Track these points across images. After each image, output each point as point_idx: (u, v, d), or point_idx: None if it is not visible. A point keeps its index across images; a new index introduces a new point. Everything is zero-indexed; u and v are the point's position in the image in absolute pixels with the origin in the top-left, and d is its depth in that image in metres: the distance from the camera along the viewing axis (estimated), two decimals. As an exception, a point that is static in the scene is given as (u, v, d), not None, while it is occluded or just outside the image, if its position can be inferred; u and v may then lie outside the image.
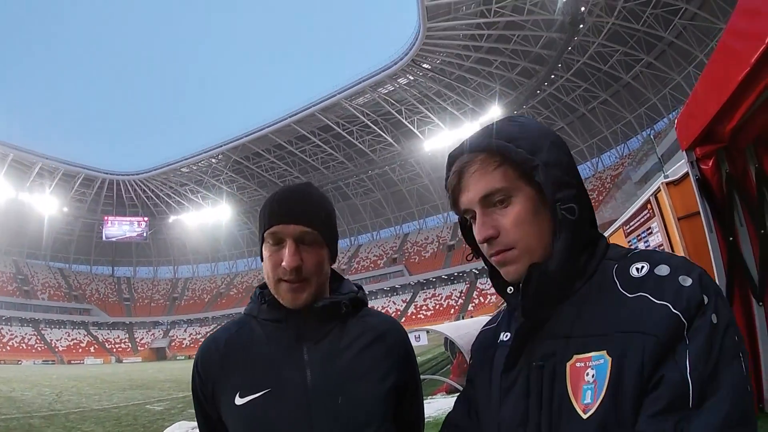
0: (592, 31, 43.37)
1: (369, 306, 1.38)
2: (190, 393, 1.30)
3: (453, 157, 1.04)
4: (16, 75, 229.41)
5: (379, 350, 1.25)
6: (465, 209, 1.01)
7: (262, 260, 1.25)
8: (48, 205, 71.80)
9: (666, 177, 4.77)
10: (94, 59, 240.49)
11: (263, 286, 1.30)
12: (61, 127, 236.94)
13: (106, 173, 76.64)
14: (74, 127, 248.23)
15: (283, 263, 1.16)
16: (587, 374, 0.84)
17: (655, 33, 40.91)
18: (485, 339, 1.15)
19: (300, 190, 1.26)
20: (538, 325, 0.94)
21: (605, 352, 0.83)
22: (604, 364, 0.82)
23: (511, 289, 1.02)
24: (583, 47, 45.69)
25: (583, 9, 39.50)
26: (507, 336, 1.05)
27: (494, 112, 54.48)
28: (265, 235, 1.20)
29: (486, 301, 53.76)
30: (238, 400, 1.16)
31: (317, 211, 1.23)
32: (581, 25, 41.65)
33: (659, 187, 4.40)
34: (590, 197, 1.02)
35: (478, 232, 0.98)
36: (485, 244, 0.98)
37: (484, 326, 1.20)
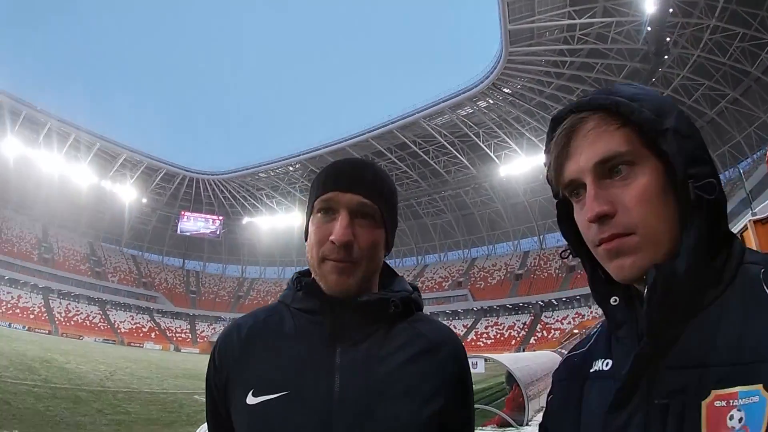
0: (677, 63, 41.51)
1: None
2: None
3: (559, 116, 0.83)
4: (108, 69, 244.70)
5: (427, 365, 1.02)
6: (570, 181, 0.80)
7: (306, 239, 1.08)
8: (128, 195, 76.19)
9: (754, 214, 4.59)
10: (187, 58, 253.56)
11: (303, 272, 1.13)
12: (145, 120, 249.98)
13: (187, 171, 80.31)
14: (159, 121, 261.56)
15: (332, 237, 0.99)
16: (732, 417, 0.62)
17: (742, 67, 38.64)
18: (572, 368, 0.90)
19: (363, 160, 1.12)
20: (661, 350, 0.71)
21: (761, 387, 0.60)
22: (760, 404, 0.60)
23: (615, 300, 0.80)
24: (667, 79, 43.74)
25: (668, 39, 38.11)
26: (607, 364, 0.81)
27: (575, 142, 53.09)
28: (315, 204, 1.05)
29: (549, 336, 52.00)
30: (251, 399, 0.98)
31: (380, 185, 1.07)
32: (666, 57, 40.16)
33: (746, 224, 4.20)
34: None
35: (588, 208, 0.76)
36: (595, 226, 0.76)
37: (570, 351, 0.96)
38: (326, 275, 1.00)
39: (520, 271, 67.30)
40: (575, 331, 45.53)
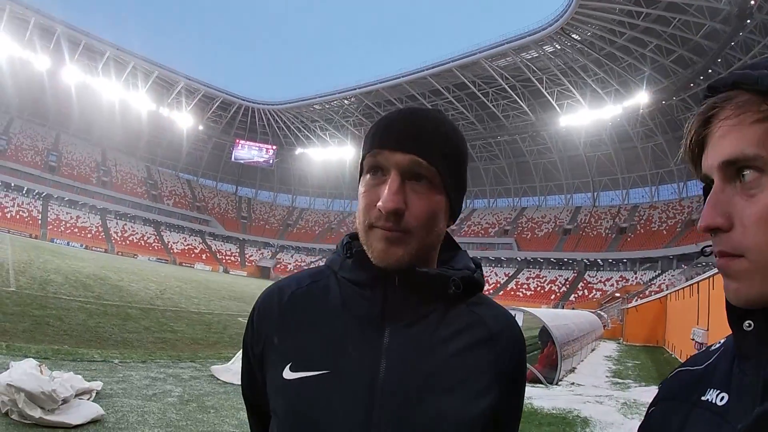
0: (759, 29, 38.52)
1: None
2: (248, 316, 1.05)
3: (709, 88, 0.69)
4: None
5: (484, 356, 0.92)
6: (704, 175, 0.68)
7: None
8: (185, 122, 78.39)
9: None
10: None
11: (354, 235, 0.98)
12: (202, 49, 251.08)
13: (243, 100, 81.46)
14: (216, 50, 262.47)
15: (379, 203, 0.85)
16: None
17: (830, 42, 35.43)
18: (681, 388, 0.76)
19: (423, 111, 0.93)
20: None
21: None
22: None
23: (750, 325, 0.65)
24: (747, 45, 40.72)
25: (753, 2, 35.47)
26: (722, 399, 0.67)
27: (641, 97, 50.85)
28: (364, 162, 0.92)
29: (590, 296, 51.57)
30: (288, 374, 0.89)
31: (440, 142, 0.90)
32: (748, 21, 37.44)
33: None
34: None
35: (702, 215, 0.66)
36: (711, 235, 0.66)
37: (683, 365, 0.82)
38: (373, 244, 0.87)
39: (569, 226, 66.25)
40: (617, 294, 44.99)
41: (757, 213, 0.60)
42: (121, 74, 68.42)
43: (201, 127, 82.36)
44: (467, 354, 0.90)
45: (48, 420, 4.50)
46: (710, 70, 45.39)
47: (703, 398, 0.70)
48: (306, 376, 0.88)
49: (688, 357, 0.84)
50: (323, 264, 1.03)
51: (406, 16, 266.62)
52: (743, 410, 0.62)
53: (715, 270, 14.39)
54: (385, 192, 0.85)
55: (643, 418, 0.83)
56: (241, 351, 5.64)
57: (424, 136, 0.88)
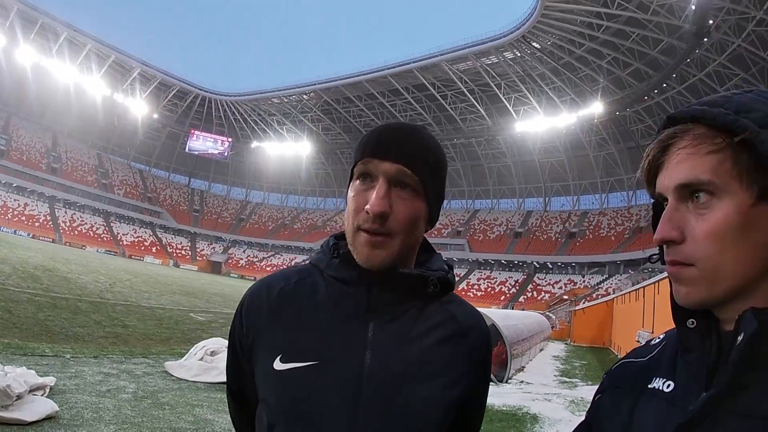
0: (716, 48, 40.21)
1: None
2: (234, 311, 1.08)
3: (669, 119, 0.78)
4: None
5: (457, 348, 1.01)
6: (659, 193, 0.77)
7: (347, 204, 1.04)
8: (139, 110, 75.86)
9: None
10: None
11: (339, 237, 1.08)
12: (161, 36, 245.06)
13: (200, 89, 79.79)
14: (175, 38, 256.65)
15: (367, 206, 0.94)
16: None
17: (782, 67, 37.34)
18: (627, 377, 0.86)
19: (409, 125, 1.04)
20: (732, 394, 0.68)
21: None
22: None
23: (693, 323, 0.76)
24: (702, 62, 42.51)
25: (711, 22, 36.98)
26: (668, 386, 0.77)
27: (596, 107, 52.36)
28: (354, 169, 1.00)
29: (539, 297, 52.70)
30: (278, 365, 0.96)
31: (424, 153, 1.00)
32: (705, 39, 39.00)
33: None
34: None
35: (658, 229, 0.75)
36: (664, 246, 0.75)
37: (626, 357, 0.92)
38: (357, 247, 0.96)
39: (520, 230, 67.66)
40: (565, 297, 46.20)
41: (706, 229, 0.69)
42: (76, 57, 65.73)
43: (156, 116, 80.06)
44: (442, 346, 0.99)
45: (2, 417, 4.38)
46: (665, 85, 47.19)
47: (650, 386, 0.79)
48: (296, 367, 0.94)
49: (632, 349, 0.93)
50: (307, 262, 1.10)
51: (373, 13, 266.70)
52: (689, 396, 0.72)
53: (660, 276, 15.06)
54: (373, 197, 0.93)
55: (590, 406, 0.92)
56: (194, 347, 5.63)
57: (410, 148, 0.98)
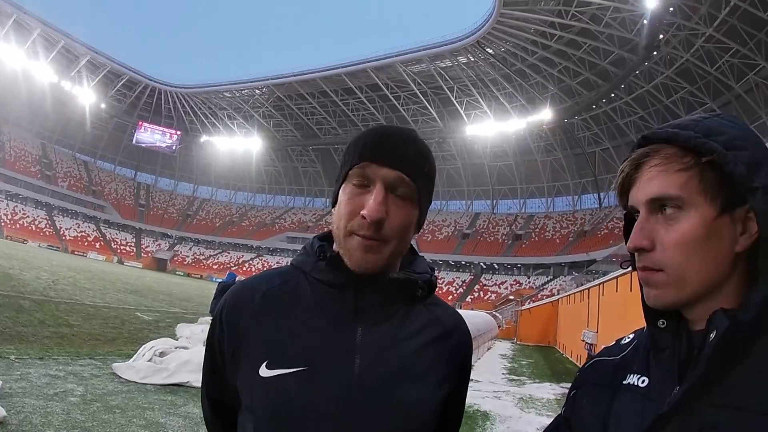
0: (664, 61, 42.05)
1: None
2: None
3: (643, 138, 0.86)
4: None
5: (442, 350, 1.03)
6: (631, 206, 0.85)
7: (333, 205, 1.03)
8: (87, 98, 72.34)
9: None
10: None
11: (323, 238, 1.07)
12: (110, 22, 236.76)
13: (150, 80, 77.31)
14: (125, 26, 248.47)
15: (364, 211, 0.93)
16: None
17: (726, 82, 39.44)
18: (602, 375, 0.92)
19: (406, 131, 1.03)
20: (705, 387, 0.74)
21: None
22: None
23: (663, 323, 0.83)
24: (650, 75, 44.36)
25: (661, 37, 38.53)
26: (643, 381, 0.83)
27: (545, 114, 53.68)
28: (350, 172, 0.98)
29: (485, 297, 53.79)
30: (264, 372, 0.93)
31: (421, 162, 1.00)
32: (655, 53, 40.56)
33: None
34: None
35: (631, 238, 0.82)
36: (636, 254, 0.83)
37: (598, 355, 0.98)
38: (351, 251, 0.95)
39: (468, 231, 68.81)
40: (511, 297, 47.16)
41: (674, 238, 0.77)
42: (24, 42, 62.00)
43: (103, 106, 76.65)
44: (428, 349, 1.00)
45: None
46: (613, 95, 48.83)
47: (624, 382, 0.86)
48: (283, 373, 0.92)
49: (603, 348, 0.99)
50: (288, 265, 1.09)
51: (331, 12, 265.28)
52: (664, 390, 0.78)
53: (604, 278, 15.63)
54: (371, 202, 0.92)
55: (565, 402, 0.98)
56: (142, 348, 5.54)
57: (409, 155, 0.98)
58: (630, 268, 0.88)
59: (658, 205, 0.79)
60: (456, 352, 1.06)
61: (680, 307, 0.80)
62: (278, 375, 0.93)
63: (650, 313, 0.85)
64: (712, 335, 0.73)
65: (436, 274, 1.11)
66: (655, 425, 0.75)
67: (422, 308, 1.04)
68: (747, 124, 0.84)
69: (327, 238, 1.07)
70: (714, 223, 0.76)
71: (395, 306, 1.00)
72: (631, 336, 0.95)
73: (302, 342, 0.95)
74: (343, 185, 0.99)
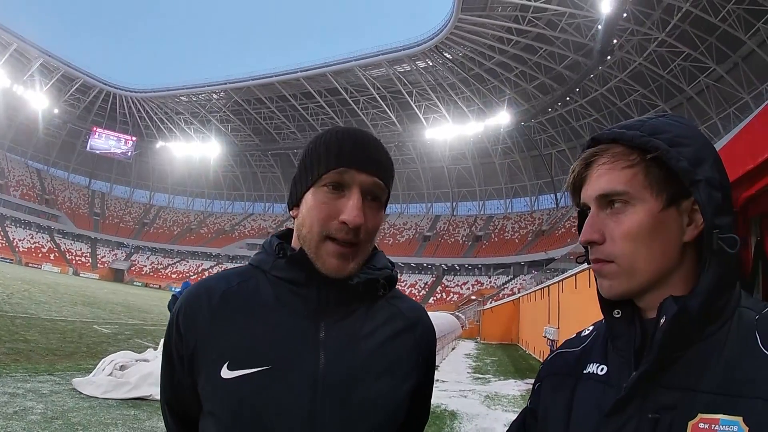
0: (618, 65, 43.33)
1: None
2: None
3: (592, 140, 0.89)
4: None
5: (406, 343, 1.03)
6: (583, 203, 0.89)
7: (290, 207, 1.04)
8: (39, 103, 69.68)
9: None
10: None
11: (282, 236, 1.06)
12: (60, 23, 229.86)
13: (105, 84, 75.17)
14: (76, 27, 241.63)
15: (343, 216, 0.92)
16: None
17: (678, 84, 40.95)
18: (563, 365, 0.96)
19: (372, 136, 1.03)
20: (659, 370, 0.78)
21: (741, 419, 0.69)
22: None
23: (618, 313, 0.86)
24: (604, 78, 45.67)
25: (615, 41, 39.62)
26: (602, 369, 0.87)
27: (502, 117, 54.59)
28: (323, 175, 0.95)
29: (448, 298, 54.29)
30: (226, 373, 0.91)
31: (391, 167, 1.03)
32: (608, 57, 41.69)
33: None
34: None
35: (582, 233, 0.86)
36: (588, 247, 0.86)
37: (560, 348, 1.02)
38: (324, 257, 0.94)
39: (429, 233, 69.41)
40: (473, 297, 47.75)
41: (623, 231, 0.81)
42: None
43: (56, 111, 73.91)
44: (392, 343, 1.01)
45: None
46: (568, 98, 50.02)
47: (585, 371, 0.90)
48: (246, 374, 0.90)
49: (564, 341, 1.03)
50: (246, 264, 1.07)
51: (289, 16, 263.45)
52: (621, 376, 0.82)
53: (563, 276, 16.01)
54: (350, 208, 0.92)
55: (530, 394, 1.01)
56: (102, 362, 5.45)
57: (383, 161, 0.99)
58: (585, 263, 0.92)
59: (606, 200, 0.83)
60: (420, 345, 1.06)
61: (633, 296, 0.84)
62: (240, 376, 0.90)
63: (606, 304, 0.88)
64: (662, 320, 0.77)
65: (396, 270, 1.11)
66: (614, 409, 0.78)
67: (384, 302, 1.05)
68: (692, 124, 0.87)
69: (285, 236, 1.06)
70: (660, 215, 0.80)
71: (357, 301, 1.00)
72: (591, 328, 0.99)
73: (264, 341, 0.93)
74: (312, 188, 0.97)
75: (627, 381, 0.79)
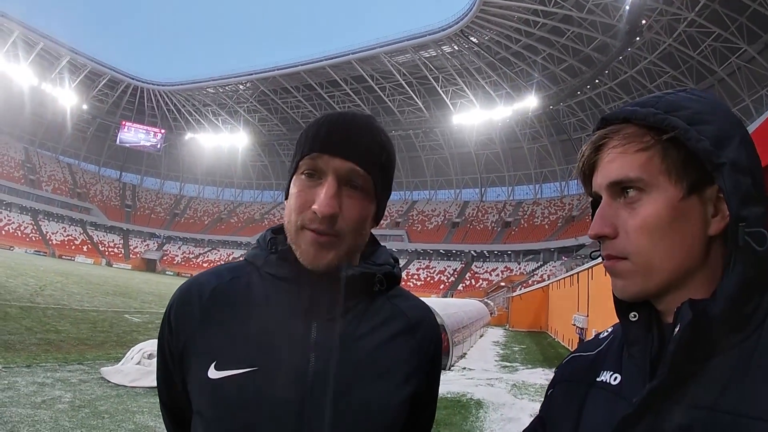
0: (647, 47, 42.16)
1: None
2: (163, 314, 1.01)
3: (602, 120, 0.80)
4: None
5: (406, 345, 0.96)
6: (594, 191, 0.79)
7: (286, 197, 0.95)
8: (68, 100, 71.28)
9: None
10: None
11: (277, 230, 1.00)
12: (86, 20, 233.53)
13: (132, 78, 76.52)
14: (102, 24, 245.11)
15: (314, 206, 0.86)
16: None
17: (709, 66, 39.75)
18: (576, 371, 0.87)
19: (362, 118, 0.95)
20: (675, 385, 0.68)
21: None
22: None
23: (635, 316, 0.76)
24: (634, 60, 44.48)
25: (644, 22, 38.61)
26: (615, 379, 0.78)
27: (530, 102, 53.75)
28: (299, 163, 0.91)
29: (477, 285, 54.02)
30: (213, 373, 0.87)
31: (377, 151, 0.93)
32: (637, 38, 40.67)
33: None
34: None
35: (591, 226, 0.76)
36: (599, 242, 0.76)
37: (576, 351, 0.93)
38: (302, 246, 0.89)
39: (457, 220, 68.97)
40: (502, 284, 47.40)
41: (637, 223, 0.71)
42: (2, 44, 61.10)
43: (85, 107, 75.70)
44: (390, 344, 0.94)
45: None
46: (597, 80, 48.92)
47: (598, 379, 0.80)
48: (234, 374, 0.86)
49: (578, 343, 0.92)
50: (241, 259, 1.02)
51: (314, 4, 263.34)
52: (635, 388, 0.72)
53: (594, 263, 15.71)
54: (322, 196, 0.86)
55: (543, 400, 0.93)
56: (130, 351, 5.43)
57: (363, 144, 0.91)
58: (599, 258, 0.81)
59: (619, 188, 0.74)
60: (421, 347, 0.99)
61: (650, 298, 0.74)
62: (227, 376, 0.86)
63: (621, 305, 0.78)
64: (677, 329, 0.67)
65: (400, 264, 1.06)
66: (621, 427, 0.69)
67: (384, 301, 0.98)
68: (716, 98, 0.76)
69: (281, 230, 0.99)
70: (680, 205, 0.70)
71: (353, 300, 0.93)
72: (610, 329, 0.89)
73: (252, 341, 0.89)
74: (294, 177, 0.93)
75: (639, 395, 0.69)
